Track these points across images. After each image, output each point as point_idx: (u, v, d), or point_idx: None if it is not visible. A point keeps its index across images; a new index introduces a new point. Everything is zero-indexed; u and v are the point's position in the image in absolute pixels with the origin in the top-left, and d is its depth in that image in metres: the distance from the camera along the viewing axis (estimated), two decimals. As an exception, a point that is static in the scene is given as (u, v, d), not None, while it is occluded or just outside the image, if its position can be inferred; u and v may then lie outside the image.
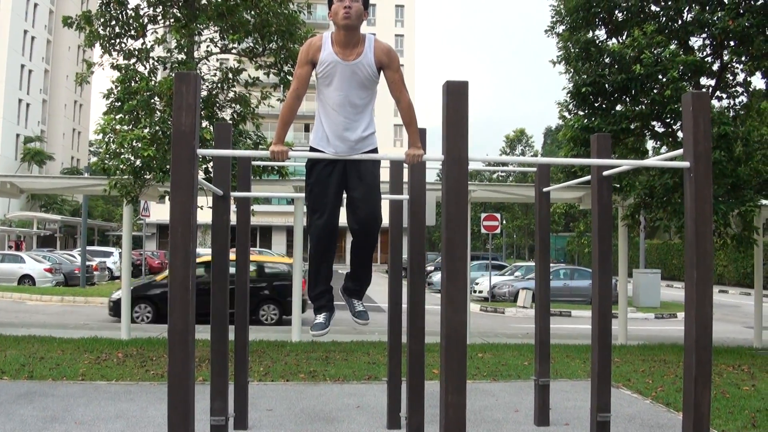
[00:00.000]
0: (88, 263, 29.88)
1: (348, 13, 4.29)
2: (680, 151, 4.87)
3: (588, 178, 6.47)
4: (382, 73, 4.52)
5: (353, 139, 4.53)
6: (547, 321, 7.75)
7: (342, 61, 4.40)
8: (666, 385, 10.03)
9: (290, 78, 12.12)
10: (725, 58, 13.34)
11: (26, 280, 28.72)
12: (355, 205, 4.58)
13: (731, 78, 13.75)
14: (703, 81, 13.61)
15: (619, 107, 13.65)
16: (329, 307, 4.84)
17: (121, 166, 10.90)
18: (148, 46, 11.60)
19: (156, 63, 11.61)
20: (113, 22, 11.49)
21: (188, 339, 4.14)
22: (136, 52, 11.49)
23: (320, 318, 4.80)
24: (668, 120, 13.47)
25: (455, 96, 4.19)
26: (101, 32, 11.43)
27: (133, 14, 11.54)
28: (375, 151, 4.66)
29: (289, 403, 8.56)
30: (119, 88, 11.08)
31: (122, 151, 10.77)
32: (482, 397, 9.08)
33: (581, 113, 13.90)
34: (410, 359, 5.85)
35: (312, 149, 4.62)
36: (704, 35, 13.46)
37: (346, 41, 4.39)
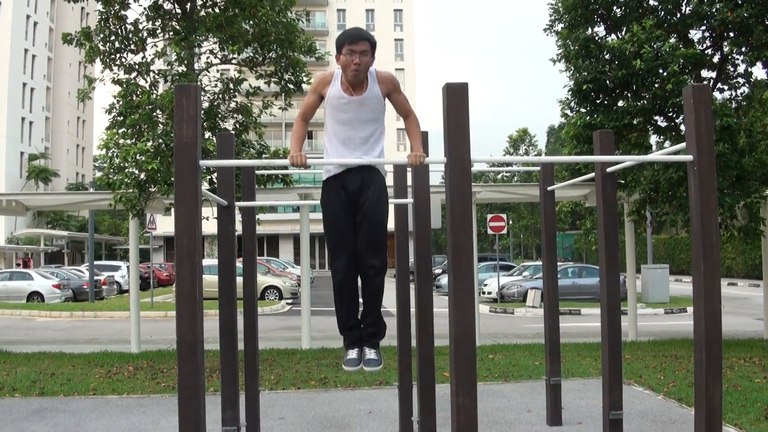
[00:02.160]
0: (96, 278, 29.98)
1: (357, 69, 4.49)
2: (683, 144, 4.86)
3: (592, 175, 6.46)
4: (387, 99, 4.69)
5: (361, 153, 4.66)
6: (557, 320, 7.74)
7: (349, 97, 4.56)
8: (678, 381, 10.00)
9: (291, 86, 12.15)
10: (725, 49, 13.31)
11: (35, 296, 28.80)
12: (358, 245, 4.68)
13: (732, 69, 13.70)
14: (704, 73, 13.58)
15: (621, 103, 13.62)
16: (358, 344, 4.90)
17: (126, 180, 10.93)
18: (149, 60, 11.63)
19: (157, 76, 11.65)
20: (113, 37, 11.52)
21: (197, 350, 4.14)
22: (137, 66, 11.53)
23: (352, 353, 4.88)
24: (671, 114, 13.43)
25: (455, 98, 4.19)
26: (101, 48, 11.47)
27: (132, 29, 11.57)
28: (383, 180, 4.79)
29: (301, 410, 8.56)
30: (121, 103, 11.11)
31: (126, 165, 10.81)
32: (494, 398, 9.06)
33: (583, 110, 13.86)
34: (420, 363, 5.84)
35: (325, 183, 4.76)
36: (703, 27, 13.42)
37: (353, 84, 4.57)
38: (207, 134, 11.26)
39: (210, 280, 17.19)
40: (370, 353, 4.86)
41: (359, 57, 4.46)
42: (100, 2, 11.45)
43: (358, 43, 4.47)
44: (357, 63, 4.46)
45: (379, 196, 4.68)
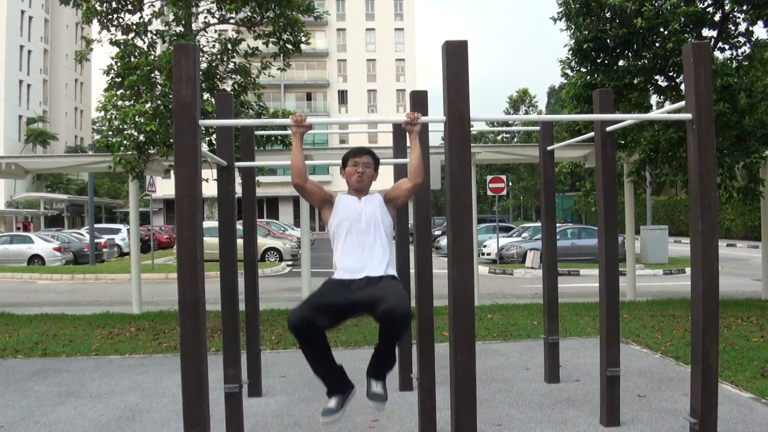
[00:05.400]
0: (96, 241, 30.06)
1: (360, 179, 4.77)
2: (683, 103, 4.85)
3: (592, 135, 6.45)
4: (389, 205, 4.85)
5: (371, 265, 4.56)
6: (555, 280, 7.80)
7: (356, 198, 4.76)
8: (675, 340, 10.08)
9: (289, 46, 12.07)
10: (726, 7, 13.17)
11: (36, 260, 28.95)
12: (378, 304, 4.27)
13: (733, 28, 13.57)
14: (705, 32, 13.46)
15: (621, 62, 13.54)
16: (341, 389, 4.60)
17: (125, 142, 10.92)
18: (146, 20, 11.53)
19: (154, 37, 11.56)
20: (110, -3, 11.41)
21: (199, 309, 4.19)
22: (134, 27, 11.43)
23: (331, 403, 4.55)
24: (671, 74, 13.37)
25: (455, 56, 4.18)
26: (98, 8, 11.36)
27: (129, -12, 11.46)
28: (395, 278, 4.60)
29: (302, 369, 8.61)
30: (119, 64, 11.06)
31: (125, 126, 10.78)
32: (493, 356, 9.15)
33: (584, 70, 13.79)
34: (420, 321, 5.89)
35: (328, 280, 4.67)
36: (705, -16, 13.31)
37: (357, 190, 4.81)
38: (205, 95, 11.22)
39: (210, 242, 17.26)
40: (377, 386, 4.61)
41: (362, 167, 4.77)
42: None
43: (361, 156, 4.79)
44: (360, 171, 4.75)
45: (393, 283, 4.51)
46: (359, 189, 4.77)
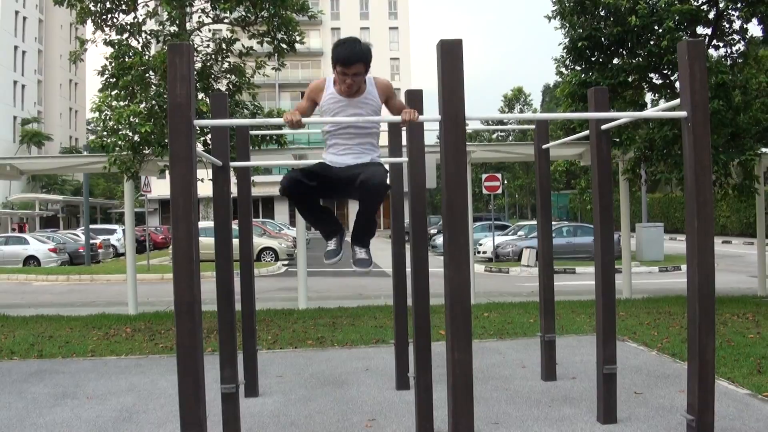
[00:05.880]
0: (92, 241, 29.98)
1: (350, 88, 4.60)
2: (677, 101, 4.86)
3: (587, 133, 6.45)
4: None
5: (356, 158, 4.72)
6: (551, 278, 7.79)
7: (346, 98, 4.66)
8: (671, 337, 10.09)
9: (284, 46, 12.04)
10: (721, 5, 13.18)
11: (31, 261, 28.89)
12: (357, 177, 4.54)
13: (727, 26, 13.59)
14: (700, 30, 13.47)
15: (616, 60, 13.54)
16: (338, 231, 4.96)
17: (120, 143, 10.89)
18: (140, 20, 11.49)
19: (149, 37, 11.52)
20: (103, -3, 11.38)
21: (195, 309, 4.18)
22: (129, 27, 11.39)
23: (331, 244, 4.96)
24: (666, 71, 13.38)
25: (450, 55, 4.17)
26: (92, 8, 11.32)
27: (122, -13, 11.42)
28: (378, 163, 4.78)
29: (299, 369, 8.64)
30: (113, 64, 11.02)
31: (120, 127, 10.76)
32: (489, 355, 9.15)
33: (578, 68, 13.78)
34: (416, 320, 5.89)
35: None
36: (699, -18, 13.32)
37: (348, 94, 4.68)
38: (200, 95, 11.19)
39: (206, 243, 17.20)
40: (361, 253, 4.88)
41: (352, 78, 4.55)
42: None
43: (351, 67, 4.52)
44: (349, 83, 4.57)
45: (373, 163, 4.72)
46: (349, 95, 4.67)
